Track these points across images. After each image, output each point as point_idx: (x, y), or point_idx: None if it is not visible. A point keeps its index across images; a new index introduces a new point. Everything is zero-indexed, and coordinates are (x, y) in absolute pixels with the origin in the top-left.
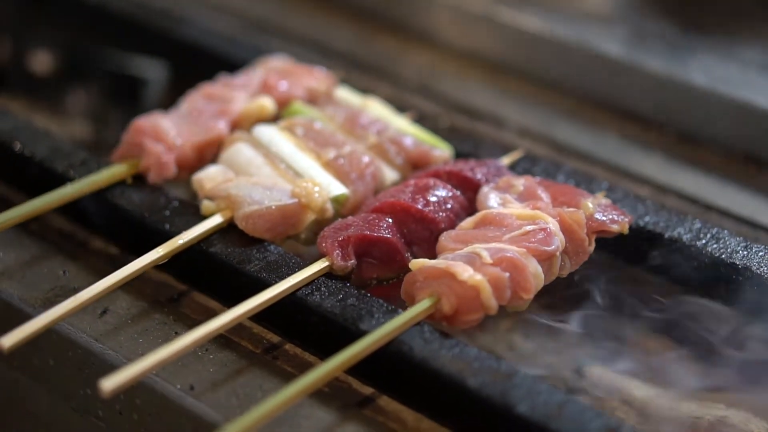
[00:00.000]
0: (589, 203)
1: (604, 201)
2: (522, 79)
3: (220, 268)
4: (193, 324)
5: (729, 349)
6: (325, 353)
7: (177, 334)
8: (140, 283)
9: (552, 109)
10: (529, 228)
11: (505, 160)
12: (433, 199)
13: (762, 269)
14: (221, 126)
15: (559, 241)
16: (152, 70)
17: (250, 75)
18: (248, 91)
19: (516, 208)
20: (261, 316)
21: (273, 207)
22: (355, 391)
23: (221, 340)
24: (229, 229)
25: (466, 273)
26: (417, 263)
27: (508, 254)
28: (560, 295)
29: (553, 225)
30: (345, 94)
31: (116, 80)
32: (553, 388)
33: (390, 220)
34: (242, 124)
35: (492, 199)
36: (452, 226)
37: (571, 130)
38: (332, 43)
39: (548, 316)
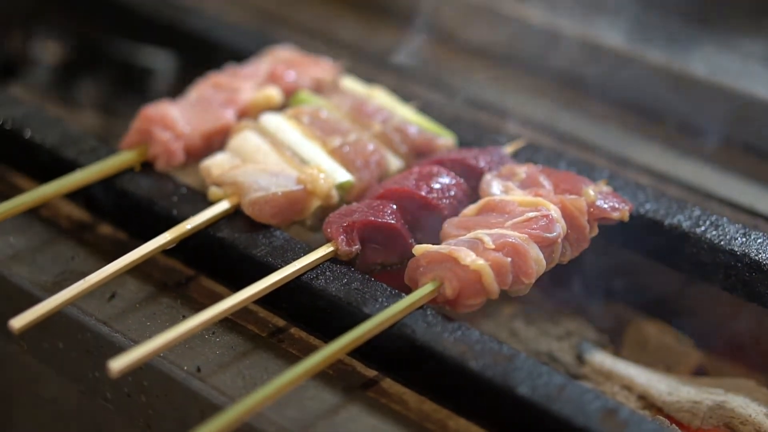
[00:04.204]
0: (591, 191)
1: (606, 189)
2: (525, 70)
3: (227, 252)
4: (200, 308)
5: (727, 333)
6: (329, 336)
7: (184, 318)
8: (148, 267)
9: (554, 100)
10: (531, 214)
11: (508, 149)
12: (437, 186)
13: (760, 256)
14: (229, 115)
15: (560, 228)
16: (160, 61)
17: (257, 65)
18: (255, 81)
19: (518, 195)
20: (267, 300)
21: (279, 193)
22: (358, 374)
23: (227, 323)
24: (235, 214)
25: (469, 258)
26: (420, 248)
27: (510, 240)
28: (561, 280)
29: (554, 212)
30: (350, 84)
31: (125, 70)
32: (553, 370)
33: (394, 207)
34: (249, 113)
35: (495, 187)
36: (455, 212)
37: (573, 120)
38: (338, 34)
39: (549, 301)
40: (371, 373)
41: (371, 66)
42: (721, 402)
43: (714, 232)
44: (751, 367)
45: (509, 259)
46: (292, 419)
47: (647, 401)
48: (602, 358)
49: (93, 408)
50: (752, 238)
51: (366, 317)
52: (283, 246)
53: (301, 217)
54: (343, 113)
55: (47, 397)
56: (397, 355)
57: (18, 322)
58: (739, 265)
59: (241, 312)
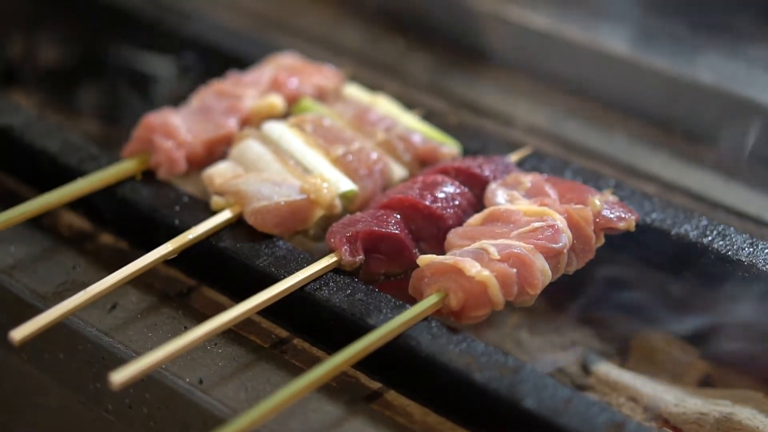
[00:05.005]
0: (597, 200)
1: (612, 198)
2: (530, 77)
3: (229, 263)
4: (202, 318)
5: (734, 344)
6: (333, 348)
7: (186, 329)
8: (150, 277)
9: (559, 107)
10: (536, 225)
11: (513, 157)
12: (441, 195)
13: None
14: (231, 123)
15: (566, 238)
16: (162, 67)
17: (260, 72)
18: (258, 89)
19: (523, 205)
20: (269, 310)
21: (282, 203)
22: (362, 386)
23: (230, 334)
24: (238, 224)
25: (474, 268)
26: (425, 259)
27: (516, 250)
28: (567, 290)
29: (560, 222)
30: (354, 92)
31: (127, 77)
32: (559, 383)
33: (398, 216)
34: (252, 121)
35: (500, 196)
36: (460, 222)
37: (578, 128)
38: (341, 41)
39: (555, 312)
40: (375, 385)
41: (375, 73)
42: (728, 414)
43: (721, 242)
44: (759, 378)
45: (515, 270)
46: None
47: (653, 413)
48: (608, 369)
49: (94, 419)
50: (760, 248)
51: (370, 329)
52: (286, 256)
53: (304, 226)
54: (346, 121)
55: (47, 407)
56: (402, 367)
57: (18, 333)
58: (747, 275)
59: (244, 323)
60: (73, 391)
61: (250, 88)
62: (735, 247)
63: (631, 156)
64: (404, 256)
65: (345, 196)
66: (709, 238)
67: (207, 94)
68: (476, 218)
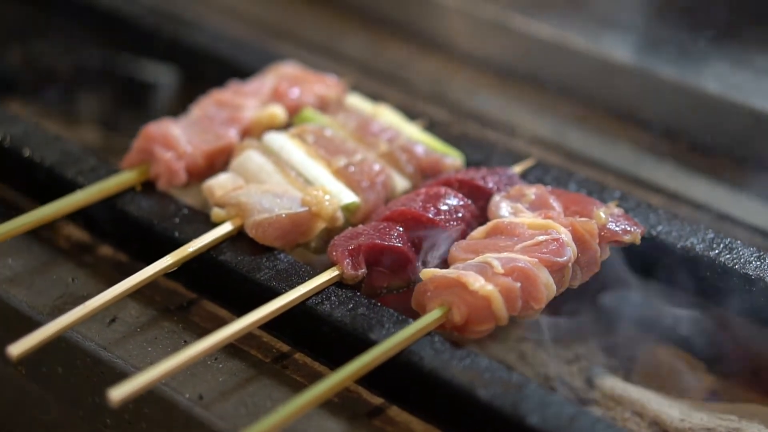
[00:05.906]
0: (602, 213)
1: (617, 210)
2: (533, 87)
3: (230, 276)
4: (202, 332)
5: (741, 358)
6: (335, 363)
7: (186, 343)
8: (149, 290)
9: (564, 117)
10: (541, 238)
11: (517, 169)
12: (444, 207)
13: None
14: (232, 134)
15: (571, 252)
16: (163, 76)
17: (261, 82)
18: (259, 99)
19: (528, 218)
20: (271, 325)
21: (283, 215)
22: (364, 402)
23: (230, 349)
24: (239, 237)
25: (478, 283)
26: (428, 272)
27: (520, 264)
28: (571, 304)
29: (565, 235)
30: (356, 101)
31: (127, 85)
32: (564, 399)
33: (401, 229)
34: (253, 132)
35: (503, 208)
36: (463, 235)
37: (582, 138)
38: (343, 50)
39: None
40: (377, 400)
41: (377, 82)
42: (734, 429)
43: (728, 256)
44: (766, 393)
45: (519, 284)
46: None
47: (659, 427)
48: (613, 383)
49: None
50: (767, 261)
51: (372, 343)
52: (288, 269)
53: (305, 239)
54: (348, 132)
55: (46, 421)
56: (404, 383)
57: (16, 349)
58: (754, 289)
59: (245, 336)
60: (72, 406)
61: (251, 98)
62: (742, 260)
63: (636, 167)
64: (407, 270)
65: (347, 209)
66: (716, 251)
67: (207, 104)
68: (480, 231)
